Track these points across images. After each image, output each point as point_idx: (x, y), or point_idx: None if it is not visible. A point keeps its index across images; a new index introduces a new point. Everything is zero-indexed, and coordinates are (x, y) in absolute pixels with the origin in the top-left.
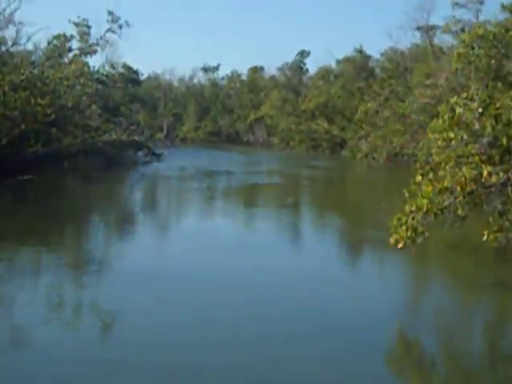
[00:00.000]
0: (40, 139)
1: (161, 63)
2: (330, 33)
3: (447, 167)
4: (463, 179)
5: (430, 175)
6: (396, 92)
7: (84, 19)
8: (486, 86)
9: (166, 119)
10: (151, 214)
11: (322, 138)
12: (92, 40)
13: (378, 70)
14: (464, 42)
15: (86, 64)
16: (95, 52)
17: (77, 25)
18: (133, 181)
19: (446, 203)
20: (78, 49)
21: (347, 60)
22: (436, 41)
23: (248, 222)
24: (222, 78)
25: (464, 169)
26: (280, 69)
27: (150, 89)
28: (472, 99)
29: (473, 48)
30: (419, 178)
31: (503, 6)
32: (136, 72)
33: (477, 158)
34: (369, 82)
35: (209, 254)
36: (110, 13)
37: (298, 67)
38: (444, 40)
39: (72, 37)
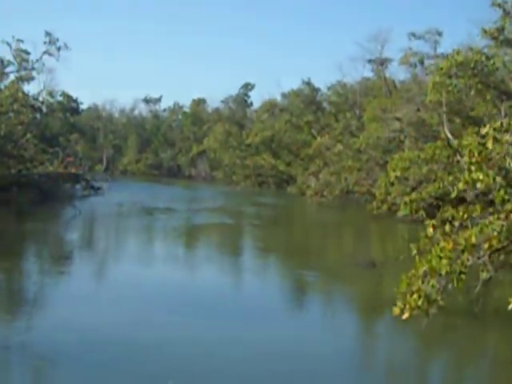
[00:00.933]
0: None
1: (101, 94)
2: (278, 65)
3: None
4: (495, 234)
5: (447, 228)
6: (348, 127)
7: (19, 40)
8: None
9: (105, 151)
10: (83, 260)
11: (267, 173)
12: (28, 64)
13: (325, 104)
14: (441, 69)
15: (21, 90)
16: (32, 78)
17: (10, 46)
18: (68, 218)
19: (469, 263)
20: (14, 73)
21: (294, 93)
22: (387, 74)
23: (191, 273)
24: (164, 110)
25: (494, 220)
26: (224, 101)
27: (90, 119)
28: (506, 130)
29: (450, 77)
30: (430, 230)
31: (485, 32)
32: (75, 101)
33: (510, 207)
34: (317, 116)
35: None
36: (48, 34)
37: (243, 100)
38: (396, 74)
39: (9, 62)
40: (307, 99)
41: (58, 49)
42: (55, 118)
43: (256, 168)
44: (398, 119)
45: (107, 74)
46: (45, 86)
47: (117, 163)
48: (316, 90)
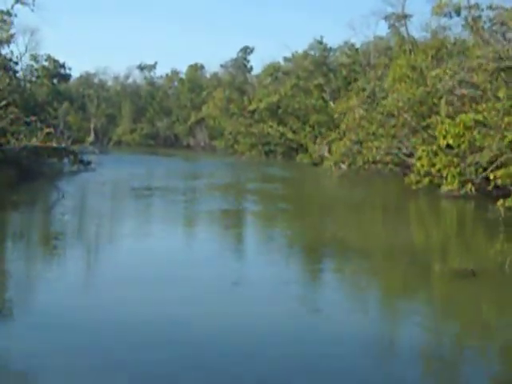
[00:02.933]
0: None
1: (93, 62)
2: (280, 27)
3: None
4: None
5: None
6: (371, 89)
7: None
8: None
9: (97, 120)
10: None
11: (275, 142)
12: None
13: (334, 66)
14: None
15: None
16: (9, 38)
17: None
18: (48, 203)
19: None
20: None
21: (300, 55)
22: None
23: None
24: (160, 77)
25: None
26: (223, 66)
27: (80, 87)
28: None
29: None
30: None
31: None
32: (63, 66)
33: None
34: (328, 79)
35: None
36: None
37: (242, 64)
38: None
39: None
40: (317, 60)
41: None
42: (40, 84)
43: (262, 136)
44: (441, 78)
45: (98, 41)
46: (27, 49)
47: (110, 134)
48: (327, 50)
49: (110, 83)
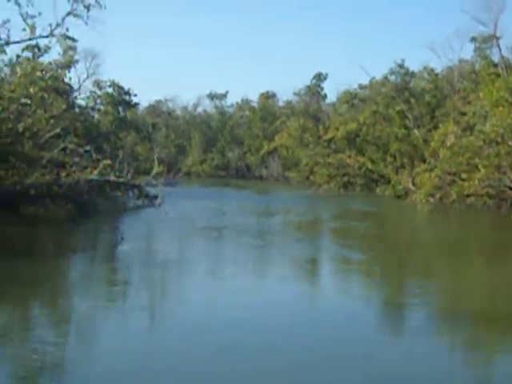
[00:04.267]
0: None
1: (159, 90)
2: (354, 52)
3: None
4: None
5: None
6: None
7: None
8: None
9: (166, 151)
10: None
11: (354, 173)
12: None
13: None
14: None
15: (38, 67)
16: (70, 64)
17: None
18: (106, 248)
19: None
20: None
21: (377, 81)
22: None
23: None
24: (231, 106)
25: None
26: (296, 94)
27: (147, 116)
28: None
29: None
30: None
31: None
32: (128, 93)
33: None
34: (411, 105)
35: None
36: None
37: (316, 92)
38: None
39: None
40: (398, 86)
41: (87, 7)
42: (104, 112)
43: (340, 167)
44: None
45: (165, 70)
46: (88, 74)
47: (179, 164)
48: (409, 75)
49: (178, 112)
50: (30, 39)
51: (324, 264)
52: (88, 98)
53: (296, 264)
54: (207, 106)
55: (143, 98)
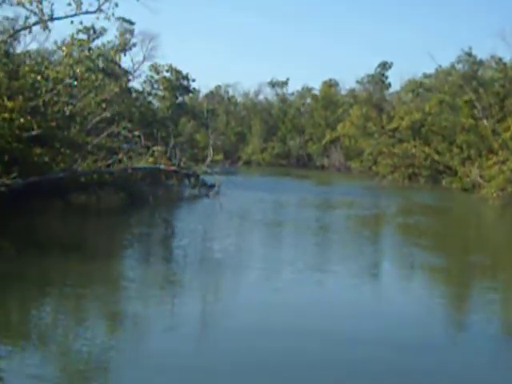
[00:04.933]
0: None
1: (221, 78)
2: (419, 40)
3: None
4: None
5: None
6: None
7: None
8: None
9: (223, 139)
10: None
11: (420, 164)
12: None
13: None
14: None
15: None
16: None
17: None
18: (151, 243)
19: None
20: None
21: (443, 70)
22: None
23: None
24: (292, 94)
25: None
26: (359, 82)
27: (207, 103)
28: None
29: None
30: None
31: None
32: (186, 78)
33: None
34: (479, 94)
35: None
36: None
37: (380, 81)
38: None
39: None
40: (466, 74)
41: None
42: (161, 98)
43: (405, 158)
44: None
45: (226, 57)
46: (144, 57)
47: (239, 152)
48: (477, 64)
49: (239, 99)
50: (75, 14)
51: (396, 269)
52: (145, 82)
53: (363, 270)
54: (268, 93)
55: (203, 84)
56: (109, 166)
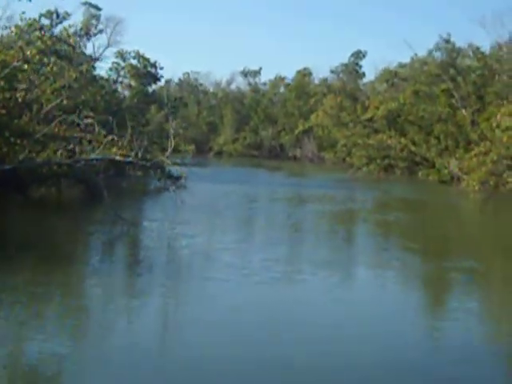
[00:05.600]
0: None
1: (192, 67)
2: (395, 27)
3: None
4: None
5: None
6: None
7: None
8: None
9: (198, 129)
10: None
11: (396, 155)
12: None
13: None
14: None
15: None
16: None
17: None
18: (102, 242)
19: None
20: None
21: (419, 59)
22: None
23: None
24: (265, 84)
25: None
26: (333, 71)
27: (178, 92)
28: None
29: None
30: None
31: None
32: (154, 65)
33: None
34: (457, 84)
35: None
36: None
37: (354, 70)
38: None
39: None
40: (444, 62)
41: None
42: (126, 86)
43: (381, 149)
44: None
45: (197, 45)
46: (109, 42)
47: (211, 143)
48: (455, 51)
49: (211, 89)
50: None
51: (374, 277)
52: (111, 70)
53: (338, 278)
54: (241, 83)
55: (174, 73)
56: (70, 157)
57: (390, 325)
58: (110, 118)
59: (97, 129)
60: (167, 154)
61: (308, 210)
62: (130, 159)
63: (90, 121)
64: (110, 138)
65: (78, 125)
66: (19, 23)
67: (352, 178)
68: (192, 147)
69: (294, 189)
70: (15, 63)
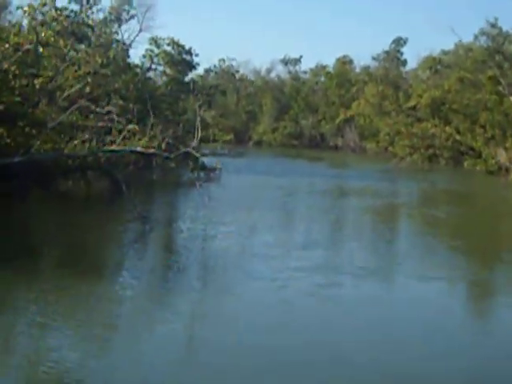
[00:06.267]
0: None
1: (226, 53)
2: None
3: None
4: None
5: None
6: None
7: None
8: None
9: (238, 118)
10: None
11: (441, 144)
12: None
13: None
14: None
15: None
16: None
17: None
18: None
19: None
20: None
21: (463, 45)
22: None
23: None
24: (305, 72)
25: None
26: (375, 59)
27: (214, 80)
28: None
29: None
30: None
31: None
32: (189, 52)
33: None
34: (504, 70)
35: None
36: None
37: (395, 57)
38: None
39: None
40: (490, 48)
41: None
42: (161, 73)
43: (425, 138)
44: None
45: (236, 33)
46: (141, 28)
47: (250, 132)
48: (502, 36)
49: (251, 77)
50: None
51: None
52: (144, 57)
53: (387, 286)
54: (281, 71)
55: (209, 61)
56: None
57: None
58: (141, 106)
59: (116, 118)
60: (193, 144)
61: (350, 205)
62: (153, 151)
63: (111, 109)
64: (128, 127)
65: (108, 113)
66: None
67: (395, 169)
68: (231, 137)
69: (335, 181)
70: (27, 46)
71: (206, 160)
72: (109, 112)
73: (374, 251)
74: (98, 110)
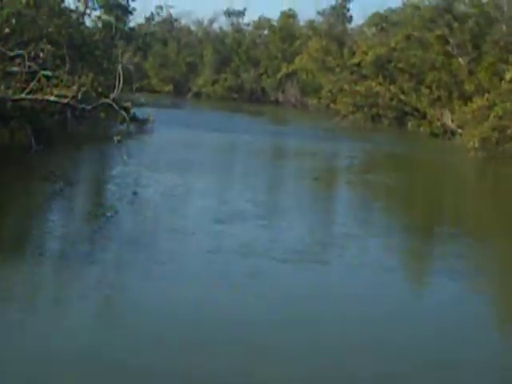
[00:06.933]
0: None
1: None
2: None
3: None
4: None
5: None
6: None
7: None
8: None
9: (176, 69)
10: None
11: (385, 104)
12: None
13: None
14: None
15: None
16: None
17: None
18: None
19: None
20: None
21: (412, 2)
22: None
23: None
24: (248, 25)
25: None
26: (320, 13)
27: (157, 30)
28: None
29: None
30: None
31: None
32: None
33: None
34: (453, 30)
35: None
36: None
37: (341, 13)
38: None
39: None
40: (438, 7)
41: None
42: (99, 18)
43: (369, 96)
44: None
45: None
46: None
47: (190, 84)
48: None
49: (192, 28)
50: None
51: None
52: (79, 0)
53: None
54: (223, 23)
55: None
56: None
57: None
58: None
59: (29, 64)
60: (113, 94)
61: (287, 168)
62: (66, 100)
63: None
64: (41, 74)
65: (34, 59)
66: None
67: (337, 127)
68: (169, 87)
69: (273, 139)
70: None
71: (140, 112)
72: (35, 57)
73: (309, 228)
74: (14, 53)
